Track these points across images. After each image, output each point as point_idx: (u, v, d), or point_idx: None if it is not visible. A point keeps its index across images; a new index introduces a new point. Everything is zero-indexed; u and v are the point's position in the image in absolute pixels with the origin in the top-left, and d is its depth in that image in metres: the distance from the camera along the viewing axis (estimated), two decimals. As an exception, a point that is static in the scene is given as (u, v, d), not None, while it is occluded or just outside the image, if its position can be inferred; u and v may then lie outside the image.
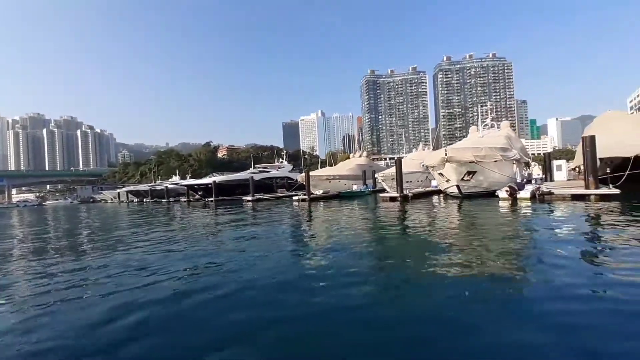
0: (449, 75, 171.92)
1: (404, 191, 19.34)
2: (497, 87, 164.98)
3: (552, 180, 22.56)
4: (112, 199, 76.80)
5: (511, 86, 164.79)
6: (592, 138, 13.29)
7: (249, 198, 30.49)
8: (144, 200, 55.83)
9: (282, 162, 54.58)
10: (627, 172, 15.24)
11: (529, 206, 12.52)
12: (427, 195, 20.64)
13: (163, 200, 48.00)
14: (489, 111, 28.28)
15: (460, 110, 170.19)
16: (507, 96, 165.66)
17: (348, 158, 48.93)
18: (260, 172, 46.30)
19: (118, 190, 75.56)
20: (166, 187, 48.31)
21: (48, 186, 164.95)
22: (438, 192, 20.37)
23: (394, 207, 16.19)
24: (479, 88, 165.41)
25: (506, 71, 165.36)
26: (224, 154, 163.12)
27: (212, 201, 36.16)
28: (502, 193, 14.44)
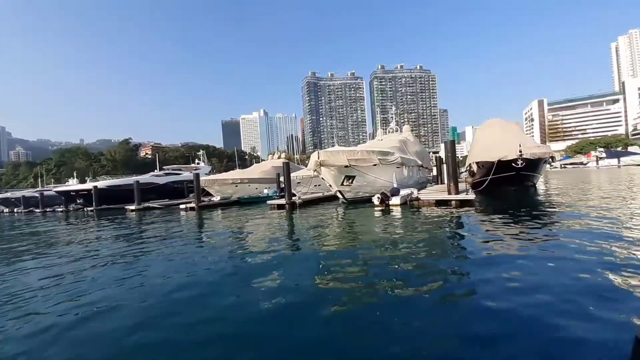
0: (383, 83, 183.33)
1: (293, 198, 17.62)
2: (424, 97, 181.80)
3: (442, 183, 23.50)
4: (-22, 209, 60.54)
5: (435, 96, 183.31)
6: (452, 143, 13.19)
7: (133, 207, 25.66)
8: (14, 210, 44.67)
9: (199, 163, 49.33)
10: (489, 177, 15.90)
11: (396, 212, 11.83)
12: (320, 201, 19.29)
13: (37, 210, 38.69)
14: (393, 116, 28.69)
15: (392, 115, 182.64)
16: (432, 105, 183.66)
17: (290, 159, 46.38)
18: (167, 174, 40.66)
19: (-16, 198, 59.83)
20: (40, 193, 39.09)
21: None
22: (335, 197, 19.17)
23: (278, 215, 14.34)
24: (408, 96, 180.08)
25: (431, 82, 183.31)
26: (147, 153, 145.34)
27: (91, 210, 29.94)
28: (375, 200, 13.61)
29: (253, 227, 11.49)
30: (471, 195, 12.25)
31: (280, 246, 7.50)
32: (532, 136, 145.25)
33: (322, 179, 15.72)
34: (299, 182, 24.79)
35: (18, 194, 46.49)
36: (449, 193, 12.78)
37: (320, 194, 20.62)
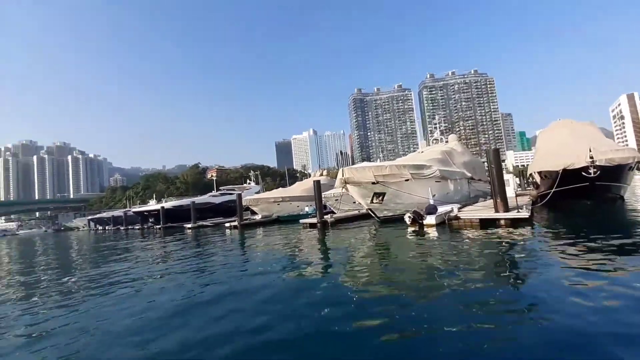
0: (434, 92, 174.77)
1: (326, 216, 17.34)
2: (481, 102, 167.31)
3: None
4: (83, 227, 73.97)
5: (495, 100, 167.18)
6: (496, 151, 11.45)
7: (190, 225, 28.29)
8: (106, 228, 53.23)
9: (249, 184, 52.66)
10: (552, 190, 13.35)
11: (431, 233, 10.61)
12: (355, 219, 18.49)
13: (122, 228, 45.49)
14: (437, 126, 26.72)
15: (446, 124, 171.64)
16: (492, 110, 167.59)
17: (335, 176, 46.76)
18: (222, 194, 44.14)
19: (87, 218, 72.86)
20: (124, 214, 45.93)
21: (37, 214, 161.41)
22: (368, 215, 18.29)
23: (310, 234, 14.28)
24: (463, 103, 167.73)
25: (489, 86, 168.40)
26: (212, 175, 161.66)
27: (159, 228, 33.88)
28: (406, 219, 12.43)
29: (280, 247, 11.50)
30: (525, 213, 10.35)
31: (290, 270, 7.26)
32: (625, 137, 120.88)
33: (351, 196, 15.13)
34: (336, 200, 24.42)
35: (109, 214, 55.46)
36: (496, 210, 11.02)
37: (356, 212, 19.87)
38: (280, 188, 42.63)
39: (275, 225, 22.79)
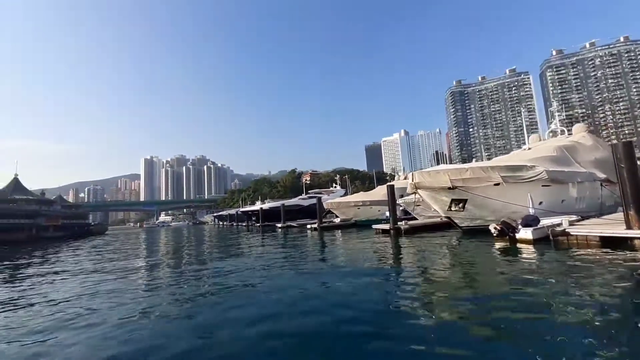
0: (563, 72, 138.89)
1: (400, 222, 16.37)
2: (638, 77, 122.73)
3: None
4: (210, 222, 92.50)
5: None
6: (628, 145, 8.23)
7: (280, 225, 31.49)
8: (224, 223, 65.11)
9: (335, 187, 54.48)
10: None
11: (526, 251, 8.58)
12: (431, 228, 16.55)
13: (234, 224, 54.80)
14: (554, 113, 21.30)
15: (584, 110, 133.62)
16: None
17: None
18: (310, 197, 47.22)
19: (213, 215, 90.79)
20: (236, 212, 55.11)
21: (185, 210, 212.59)
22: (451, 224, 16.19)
23: (382, 241, 13.94)
24: (609, 81, 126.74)
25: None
26: (307, 179, 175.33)
27: (259, 225, 39.03)
28: (492, 229, 10.34)
29: (347, 252, 11.64)
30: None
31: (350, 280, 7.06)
32: None
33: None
34: (417, 205, 22.61)
35: (226, 212, 67.55)
36: (628, 227, 8.04)
37: (438, 220, 17.87)
38: (362, 192, 42.43)
39: (354, 229, 22.92)
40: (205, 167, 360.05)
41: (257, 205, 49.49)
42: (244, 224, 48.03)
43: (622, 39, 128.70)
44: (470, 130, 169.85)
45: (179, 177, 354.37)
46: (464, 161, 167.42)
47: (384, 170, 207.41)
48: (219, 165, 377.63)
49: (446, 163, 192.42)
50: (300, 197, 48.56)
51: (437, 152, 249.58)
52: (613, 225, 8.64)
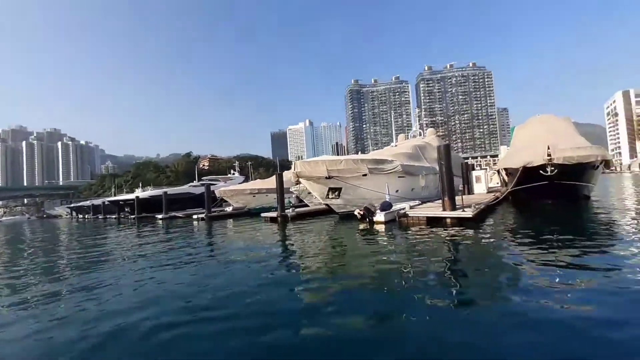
0: (431, 85, 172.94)
1: (287, 210, 16.87)
2: (478, 95, 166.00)
3: (471, 192, 20.34)
4: (66, 215, 72.99)
5: (492, 94, 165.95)
6: (447, 147, 10.91)
7: (160, 216, 27.73)
8: (85, 216, 52.50)
9: (234, 174, 51.94)
10: (509, 188, 12.90)
11: (379, 231, 10.22)
12: (315, 214, 17.94)
13: (100, 217, 44.73)
14: (416, 118, 26.05)
15: (442, 118, 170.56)
16: (489, 104, 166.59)
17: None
18: (203, 184, 43.33)
19: (68, 206, 71.90)
20: (103, 202, 45.11)
21: (26, 200, 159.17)
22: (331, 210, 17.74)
23: (268, 228, 13.85)
24: (460, 96, 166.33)
25: (486, 80, 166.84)
26: (204, 165, 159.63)
27: (134, 218, 33.24)
28: (356, 214, 11.96)
29: (228, 241, 11.20)
30: (468, 213, 9.88)
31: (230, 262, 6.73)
32: (617, 135, 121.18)
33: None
34: (309, 193, 23.89)
35: (88, 203, 54.48)
36: (444, 209, 10.56)
37: (323, 207, 19.36)
38: (258, 180, 41.89)
39: (246, 218, 22.29)
40: (59, 144, 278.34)
41: (129, 195, 42.06)
42: (114, 217, 39.97)
43: (471, 65, 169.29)
44: (364, 126, 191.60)
45: (17, 156, 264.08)
46: (357, 153, 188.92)
47: (289, 159, 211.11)
48: (82, 142, 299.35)
49: (344, 154, 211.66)
50: (191, 184, 43.87)
51: (337, 143, 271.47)
52: (436, 208, 11.21)
